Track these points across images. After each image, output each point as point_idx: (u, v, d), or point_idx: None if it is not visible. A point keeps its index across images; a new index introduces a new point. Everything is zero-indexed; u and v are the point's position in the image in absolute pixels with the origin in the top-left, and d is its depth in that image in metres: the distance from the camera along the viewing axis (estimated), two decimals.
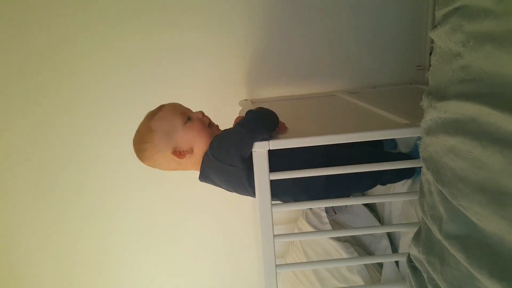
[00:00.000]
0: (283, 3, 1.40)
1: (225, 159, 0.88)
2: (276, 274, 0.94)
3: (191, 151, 0.95)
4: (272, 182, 0.86)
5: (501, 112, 0.48)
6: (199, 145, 0.94)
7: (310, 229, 1.42)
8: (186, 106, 1.02)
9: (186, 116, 0.95)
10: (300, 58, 1.46)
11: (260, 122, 0.87)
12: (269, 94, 1.48)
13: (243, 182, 0.92)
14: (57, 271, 1.67)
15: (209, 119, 1.01)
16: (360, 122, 1.03)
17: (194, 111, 1.01)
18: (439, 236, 0.63)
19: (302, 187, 0.96)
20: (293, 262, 1.52)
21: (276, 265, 0.93)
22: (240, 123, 0.87)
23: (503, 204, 0.48)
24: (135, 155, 0.98)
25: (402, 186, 1.10)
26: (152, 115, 0.96)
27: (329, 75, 1.49)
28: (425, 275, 0.70)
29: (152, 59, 1.43)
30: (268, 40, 1.43)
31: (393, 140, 1.14)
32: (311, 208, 1.47)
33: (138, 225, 1.65)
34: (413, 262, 0.76)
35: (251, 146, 0.83)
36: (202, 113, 0.99)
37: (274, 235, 0.91)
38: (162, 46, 1.42)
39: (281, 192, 0.96)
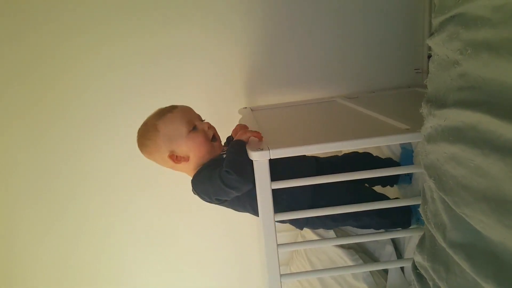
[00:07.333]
0: (281, 12, 1.40)
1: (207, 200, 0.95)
2: (281, 283, 0.93)
3: (187, 158, 0.97)
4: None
5: (501, 120, 0.48)
6: (196, 155, 0.97)
7: (314, 236, 1.41)
8: (197, 113, 1.03)
9: (192, 124, 0.97)
10: (298, 65, 1.46)
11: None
12: (268, 101, 1.48)
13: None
14: (56, 271, 1.66)
15: (214, 132, 1.02)
16: (360, 129, 1.03)
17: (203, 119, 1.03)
18: (443, 244, 0.62)
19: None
20: (297, 270, 1.52)
21: (281, 275, 0.92)
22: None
23: (507, 212, 0.48)
24: (135, 155, 1.00)
25: (403, 190, 1.09)
26: (161, 115, 0.97)
27: (328, 81, 1.49)
28: (430, 283, 0.70)
29: (153, 62, 1.42)
30: (267, 48, 1.44)
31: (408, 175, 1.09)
32: None
33: (141, 229, 1.63)
34: (418, 269, 0.76)
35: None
36: (208, 124, 1.01)
37: (278, 245, 0.91)
38: (163, 50, 1.41)
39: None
